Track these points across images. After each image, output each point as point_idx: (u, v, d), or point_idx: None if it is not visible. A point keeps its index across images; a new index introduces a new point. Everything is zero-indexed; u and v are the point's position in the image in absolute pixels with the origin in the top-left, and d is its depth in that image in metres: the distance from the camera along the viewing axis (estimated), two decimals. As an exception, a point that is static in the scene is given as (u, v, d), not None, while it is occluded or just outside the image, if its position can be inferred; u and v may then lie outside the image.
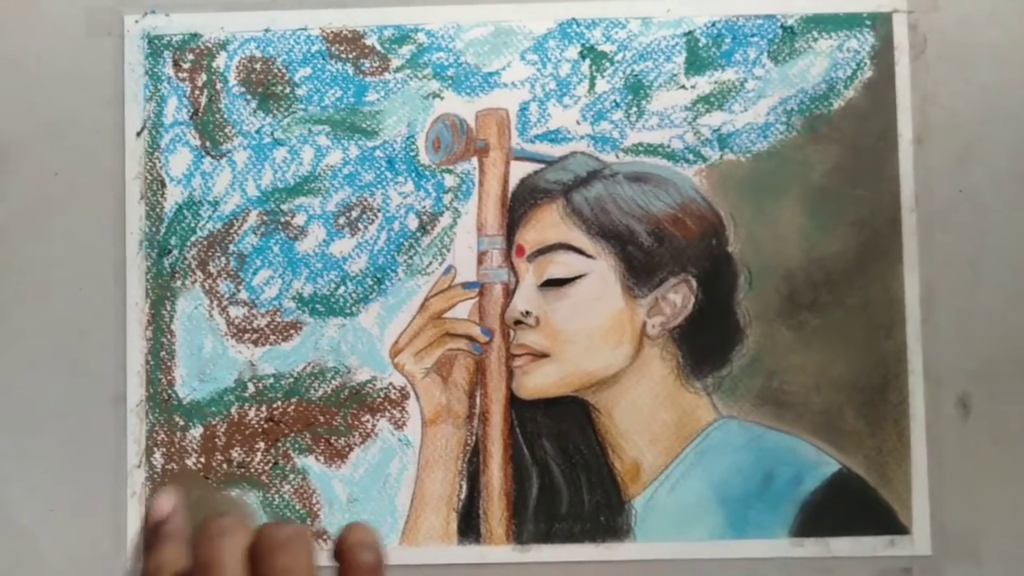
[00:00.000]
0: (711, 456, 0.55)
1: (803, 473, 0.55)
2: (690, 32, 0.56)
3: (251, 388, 0.55)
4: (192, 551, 0.49)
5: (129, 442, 0.55)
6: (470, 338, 0.56)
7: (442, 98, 0.56)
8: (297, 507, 0.55)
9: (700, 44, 0.56)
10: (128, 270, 0.56)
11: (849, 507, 0.55)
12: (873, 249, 0.55)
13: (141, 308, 0.56)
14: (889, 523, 0.55)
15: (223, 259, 0.56)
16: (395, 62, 0.56)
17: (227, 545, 0.46)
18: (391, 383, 0.55)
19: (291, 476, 0.55)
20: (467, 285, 0.56)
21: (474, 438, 0.55)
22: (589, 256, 0.55)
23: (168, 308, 0.56)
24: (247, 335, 0.56)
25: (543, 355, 0.55)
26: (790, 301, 0.55)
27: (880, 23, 0.56)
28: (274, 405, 0.55)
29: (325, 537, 0.55)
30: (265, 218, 0.56)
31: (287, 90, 0.56)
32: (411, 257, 0.56)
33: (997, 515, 0.55)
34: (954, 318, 0.55)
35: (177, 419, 0.55)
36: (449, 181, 0.56)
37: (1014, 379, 0.55)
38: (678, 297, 0.55)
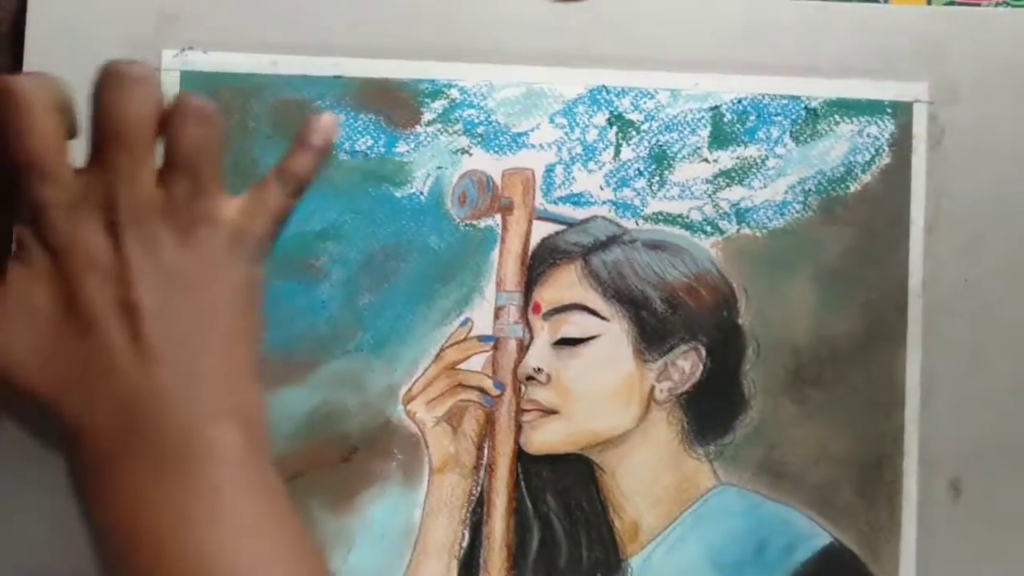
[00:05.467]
0: (708, 521, 0.56)
1: (796, 543, 0.56)
2: (716, 107, 0.58)
3: (262, 422, 0.56)
4: (94, 103, 0.35)
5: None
6: (482, 390, 0.57)
7: (470, 154, 0.57)
8: (303, 547, 0.56)
9: (725, 119, 0.58)
10: (149, 300, 0.56)
11: (838, 579, 0.56)
12: (879, 331, 0.57)
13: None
14: (876, 597, 0.56)
15: (245, 296, 0.57)
16: (427, 116, 0.57)
17: (136, 97, 0.34)
18: (401, 430, 0.56)
19: (299, 516, 0.56)
20: (483, 338, 0.57)
21: (479, 488, 0.57)
22: (603, 318, 0.57)
23: (187, 340, 0.56)
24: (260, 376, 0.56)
25: (552, 412, 0.57)
26: (795, 375, 0.57)
27: (901, 111, 0.58)
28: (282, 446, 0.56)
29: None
30: (288, 262, 0.57)
31: (319, 135, 0.57)
32: (430, 307, 0.57)
33: (980, 597, 0.57)
34: (951, 403, 0.57)
35: (189, 451, 0.56)
36: (472, 236, 0.57)
37: (1005, 465, 0.57)
38: (687, 364, 0.57)
